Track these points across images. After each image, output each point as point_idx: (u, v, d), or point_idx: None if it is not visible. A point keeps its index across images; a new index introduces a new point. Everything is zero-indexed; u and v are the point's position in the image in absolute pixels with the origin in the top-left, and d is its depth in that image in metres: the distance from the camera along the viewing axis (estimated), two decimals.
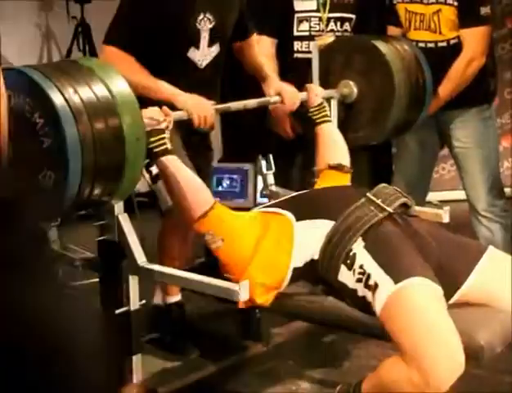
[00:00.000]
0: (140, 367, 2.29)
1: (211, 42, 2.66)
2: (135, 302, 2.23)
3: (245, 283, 2.03)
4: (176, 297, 2.75)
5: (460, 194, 3.66)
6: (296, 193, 2.40)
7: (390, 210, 2.13)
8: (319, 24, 3.20)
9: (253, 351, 2.68)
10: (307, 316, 2.30)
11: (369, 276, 2.00)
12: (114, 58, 2.49)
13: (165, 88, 2.52)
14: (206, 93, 2.58)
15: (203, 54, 2.66)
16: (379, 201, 2.14)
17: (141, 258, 2.21)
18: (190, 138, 2.65)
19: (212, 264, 2.28)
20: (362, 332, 2.21)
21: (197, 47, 2.63)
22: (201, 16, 2.61)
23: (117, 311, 2.21)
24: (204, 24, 2.62)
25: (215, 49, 2.69)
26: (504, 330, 2.00)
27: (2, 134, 1.54)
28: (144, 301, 2.27)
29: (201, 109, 2.46)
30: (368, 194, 2.17)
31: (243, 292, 2.02)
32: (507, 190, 3.51)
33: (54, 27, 4.99)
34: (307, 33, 3.20)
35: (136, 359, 2.27)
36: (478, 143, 3.18)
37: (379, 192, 2.18)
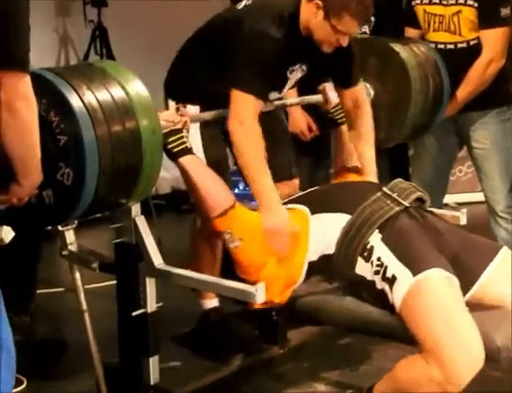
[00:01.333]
0: (157, 368, 2.29)
1: (292, 86, 2.57)
2: (152, 304, 2.24)
3: (262, 285, 2.03)
4: (212, 302, 2.72)
5: (477, 196, 3.65)
6: (311, 189, 2.41)
7: (406, 203, 2.14)
8: None
9: (270, 354, 2.68)
10: (324, 319, 2.29)
11: (386, 268, 2.01)
12: (250, 112, 2.27)
13: (264, 192, 2.26)
14: None
15: (280, 94, 2.58)
16: (395, 195, 2.15)
17: (158, 260, 2.22)
18: None
19: (226, 268, 2.29)
20: (381, 335, 2.20)
21: (279, 91, 2.55)
22: (296, 67, 2.46)
23: (134, 313, 2.22)
24: (296, 74, 2.48)
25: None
26: None
27: (35, 139, 1.58)
28: (161, 304, 2.27)
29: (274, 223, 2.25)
30: (384, 188, 2.19)
31: (259, 294, 2.02)
32: None
33: (71, 31, 5.02)
34: None
35: (153, 361, 2.28)
36: (497, 145, 3.17)
37: (394, 187, 2.19)
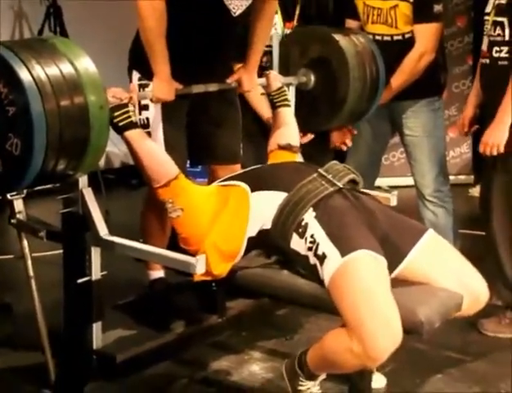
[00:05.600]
0: (100, 334, 2.28)
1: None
2: (97, 272, 2.22)
3: (202, 257, 2.04)
4: (158, 273, 2.68)
5: (408, 180, 3.71)
6: (253, 167, 2.41)
7: (340, 184, 2.16)
8: None
9: (209, 322, 2.67)
10: (261, 290, 2.30)
11: (318, 246, 2.02)
12: None
13: (157, 61, 2.38)
14: (229, 41, 2.53)
15: (240, 3, 2.47)
16: (329, 176, 2.17)
17: (103, 230, 2.20)
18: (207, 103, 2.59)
19: (174, 242, 2.28)
20: (313, 306, 2.22)
21: None
22: None
23: (79, 281, 2.19)
24: None
25: (251, 0, 2.51)
26: (443, 306, 2.03)
27: None
28: (105, 272, 2.25)
29: (163, 93, 2.41)
30: (320, 170, 2.20)
31: (199, 265, 2.02)
32: (451, 178, 3.56)
33: (26, 8, 4.90)
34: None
35: (97, 327, 2.26)
36: (427, 132, 3.22)
37: (330, 169, 2.21)
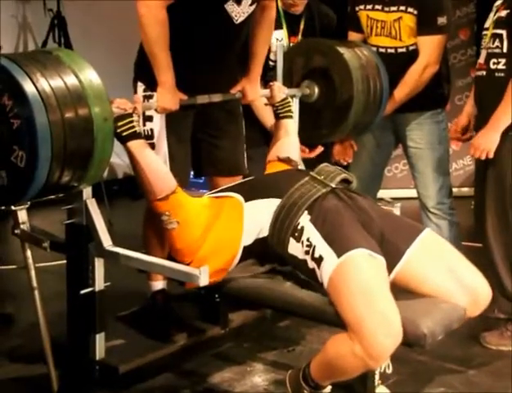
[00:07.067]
0: (103, 345, 2.29)
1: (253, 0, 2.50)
2: (100, 283, 2.23)
3: (205, 268, 2.04)
4: (160, 284, 2.68)
5: (411, 192, 3.71)
6: (246, 179, 2.43)
7: (332, 185, 2.17)
8: None
9: (212, 334, 2.68)
10: (264, 302, 2.31)
11: (314, 248, 2.04)
12: (147, 5, 2.33)
13: (160, 71, 2.40)
14: (231, 50, 2.55)
15: (242, 10, 2.49)
16: (321, 178, 2.19)
17: (107, 241, 2.21)
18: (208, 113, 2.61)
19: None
20: (315, 318, 2.23)
21: (238, 1, 2.46)
22: None
23: (82, 292, 2.20)
24: None
25: (253, 8, 2.54)
26: (445, 319, 2.04)
27: None
28: (109, 283, 2.26)
29: (167, 102, 2.43)
30: (311, 173, 2.22)
31: (203, 277, 2.03)
32: (454, 190, 3.56)
33: (31, 18, 4.93)
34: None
35: (100, 338, 2.27)
36: (430, 145, 3.23)
37: (321, 170, 2.23)
